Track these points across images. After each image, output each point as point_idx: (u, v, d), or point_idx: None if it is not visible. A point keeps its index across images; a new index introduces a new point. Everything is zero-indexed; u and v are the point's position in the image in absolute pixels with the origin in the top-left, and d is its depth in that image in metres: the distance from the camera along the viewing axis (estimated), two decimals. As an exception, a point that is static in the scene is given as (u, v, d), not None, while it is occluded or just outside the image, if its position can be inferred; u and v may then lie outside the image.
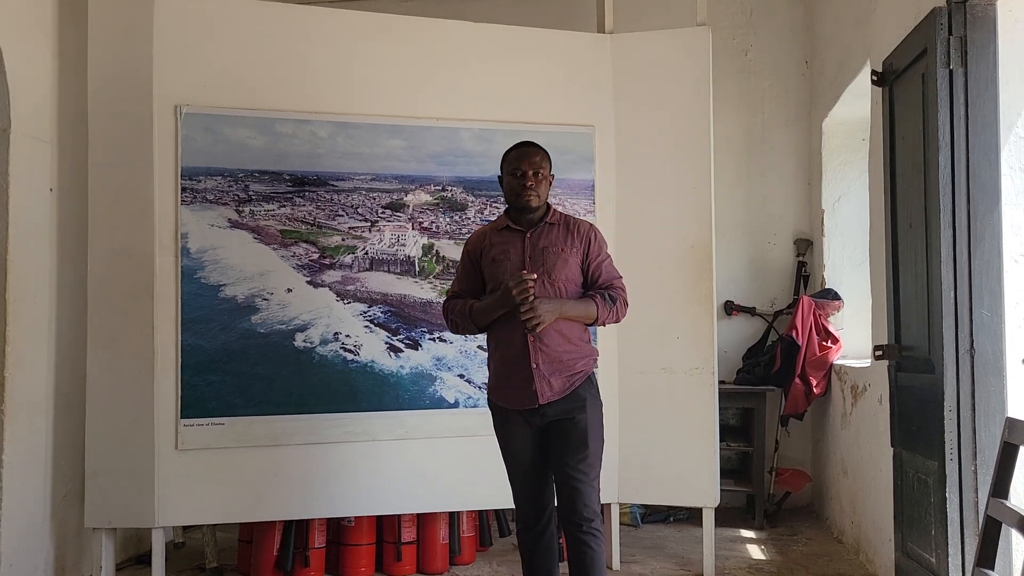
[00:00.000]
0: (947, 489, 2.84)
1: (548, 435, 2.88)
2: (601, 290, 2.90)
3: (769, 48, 5.39)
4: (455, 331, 3.07)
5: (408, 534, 3.91)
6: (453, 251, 3.87)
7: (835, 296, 4.87)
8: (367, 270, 3.78)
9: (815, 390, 4.73)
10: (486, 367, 3.80)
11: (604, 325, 2.95)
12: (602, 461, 2.89)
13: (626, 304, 2.95)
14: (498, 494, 3.81)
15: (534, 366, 2.81)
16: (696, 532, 4.26)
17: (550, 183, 2.97)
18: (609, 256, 3.00)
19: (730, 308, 5.26)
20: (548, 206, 2.99)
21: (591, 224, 3.01)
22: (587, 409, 2.84)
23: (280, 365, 3.62)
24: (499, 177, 3.00)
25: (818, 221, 5.15)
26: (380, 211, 3.81)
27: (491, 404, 2.99)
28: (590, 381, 2.90)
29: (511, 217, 2.96)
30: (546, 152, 2.96)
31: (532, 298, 2.72)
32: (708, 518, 3.92)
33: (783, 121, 5.38)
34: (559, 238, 2.90)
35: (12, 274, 3.34)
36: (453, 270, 3.85)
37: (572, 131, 3.93)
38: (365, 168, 3.80)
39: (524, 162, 2.89)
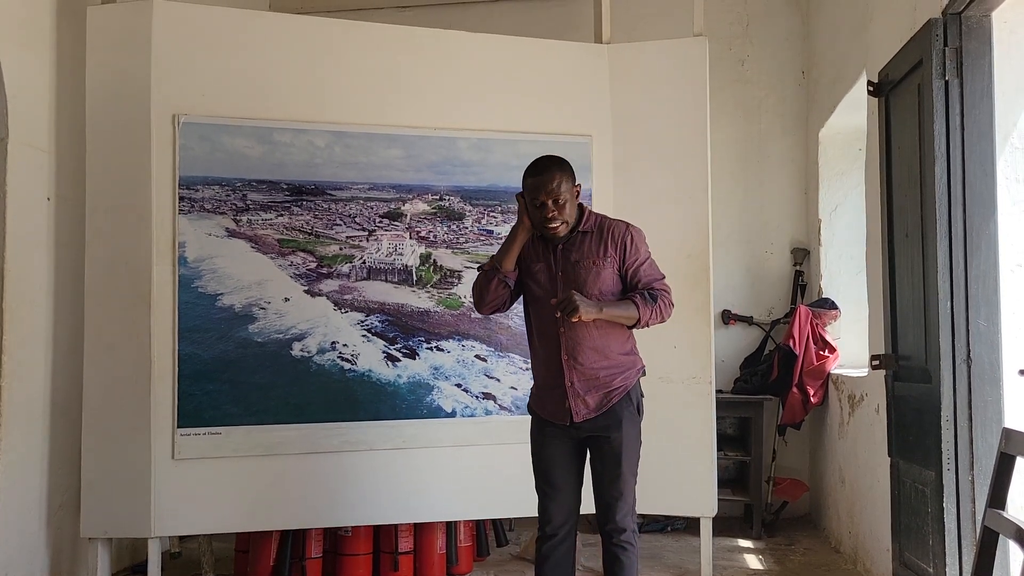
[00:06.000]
0: (944, 499, 2.84)
1: (586, 448, 2.86)
2: (640, 291, 2.80)
3: (766, 58, 5.41)
4: (475, 300, 2.92)
5: (405, 544, 3.90)
6: (450, 260, 3.88)
7: (832, 305, 4.88)
8: (364, 279, 3.78)
9: (812, 399, 4.72)
10: (485, 376, 3.85)
11: (649, 326, 2.82)
12: (637, 476, 2.86)
13: (671, 304, 2.82)
14: (496, 504, 3.82)
15: (568, 384, 2.77)
16: (694, 542, 4.25)
17: (577, 194, 2.82)
18: (649, 256, 2.86)
19: (727, 317, 5.26)
20: (582, 211, 2.86)
21: (627, 225, 2.86)
22: (623, 428, 2.78)
23: (277, 374, 3.61)
24: (521, 193, 2.84)
25: (815, 230, 5.16)
26: (377, 220, 3.82)
27: (530, 409, 2.96)
28: (629, 398, 2.81)
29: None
30: (563, 168, 2.78)
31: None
32: (706, 528, 3.91)
33: (780, 131, 5.40)
34: (591, 249, 2.80)
35: (9, 283, 3.33)
36: (451, 279, 3.86)
37: (569, 140, 3.93)
38: (362, 177, 3.80)
39: (542, 193, 2.73)
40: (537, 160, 2.82)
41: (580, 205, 2.87)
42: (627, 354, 2.86)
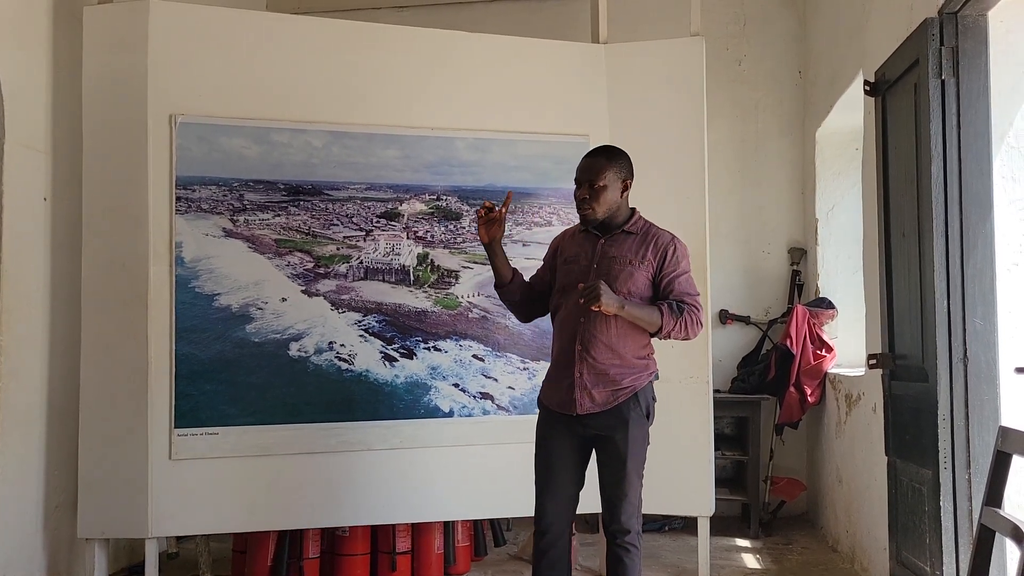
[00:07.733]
0: (941, 498, 2.85)
1: (591, 449, 2.86)
2: (669, 301, 2.80)
3: (763, 58, 5.42)
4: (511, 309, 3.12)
5: (403, 544, 3.90)
6: (448, 260, 3.88)
7: (829, 305, 4.88)
8: (362, 279, 3.78)
9: (810, 399, 4.73)
10: (482, 375, 3.85)
11: (670, 337, 2.82)
12: (643, 478, 2.83)
13: (699, 323, 2.80)
14: (493, 504, 3.82)
15: (577, 375, 2.79)
16: (691, 541, 4.26)
17: (625, 188, 2.88)
18: (687, 272, 2.87)
19: (725, 317, 5.27)
20: (633, 212, 2.93)
21: (673, 237, 2.91)
22: (629, 429, 2.77)
23: (274, 374, 3.61)
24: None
25: (812, 230, 5.16)
26: (375, 220, 3.81)
27: (539, 403, 2.97)
28: (636, 399, 2.80)
29: None
30: (611, 158, 2.86)
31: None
32: (703, 527, 3.91)
33: (777, 131, 5.41)
34: (630, 250, 2.84)
35: (6, 283, 3.32)
36: (448, 279, 3.86)
37: (566, 140, 3.93)
38: (360, 177, 3.80)
39: (580, 174, 2.85)
40: (593, 148, 2.96)
41: (633, 209, 2.94)
42: (641, 358, 2.85)
